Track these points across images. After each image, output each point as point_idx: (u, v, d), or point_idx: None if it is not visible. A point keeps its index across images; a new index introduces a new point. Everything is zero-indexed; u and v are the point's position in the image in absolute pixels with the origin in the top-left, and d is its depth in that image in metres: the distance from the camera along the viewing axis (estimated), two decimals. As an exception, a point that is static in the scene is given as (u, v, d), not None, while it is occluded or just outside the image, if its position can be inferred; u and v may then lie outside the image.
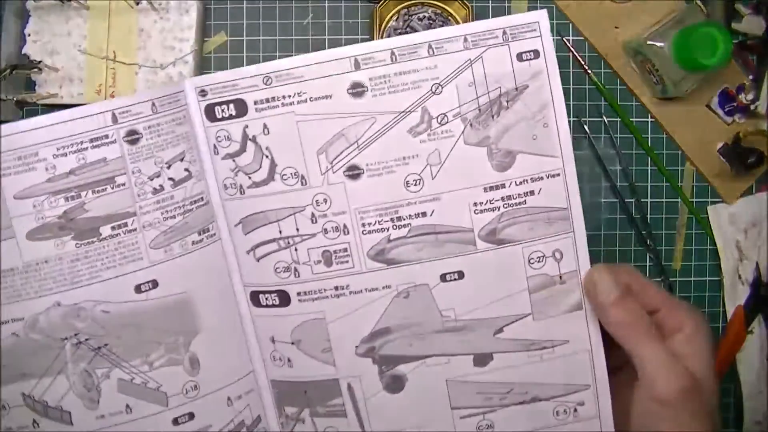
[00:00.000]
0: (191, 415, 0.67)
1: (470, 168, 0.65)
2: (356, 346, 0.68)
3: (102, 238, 0.63)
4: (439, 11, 0.86)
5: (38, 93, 0.83)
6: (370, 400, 0.69)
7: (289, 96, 0.65)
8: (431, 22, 0.86)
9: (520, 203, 0.66)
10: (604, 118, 0.89)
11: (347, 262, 0.67)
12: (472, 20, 0.84)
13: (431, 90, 0.65)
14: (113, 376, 0.65)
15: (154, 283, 0.64)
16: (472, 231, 0.66)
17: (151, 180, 0.64)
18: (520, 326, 0.67)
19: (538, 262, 0.66)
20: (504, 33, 0.64)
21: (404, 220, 0.66)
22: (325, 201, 0.66)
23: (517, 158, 0.65)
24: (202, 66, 0.87)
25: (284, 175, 0.66)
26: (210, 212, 0.67)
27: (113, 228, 0.63)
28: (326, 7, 0.89)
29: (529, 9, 0.89)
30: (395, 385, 0.68)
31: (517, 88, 0.65)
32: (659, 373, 0.61)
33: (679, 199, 0.91)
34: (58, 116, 0.62)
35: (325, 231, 0.66)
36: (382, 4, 0.86)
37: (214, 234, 0.67)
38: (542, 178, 0.65)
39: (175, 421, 0.66)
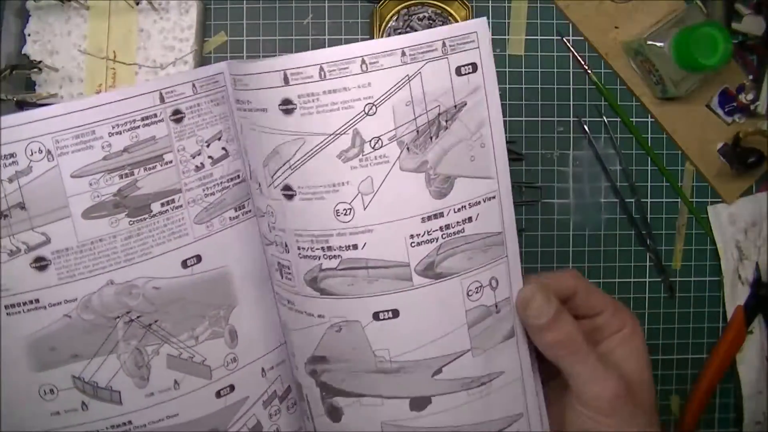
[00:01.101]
0: (232, 387, 0.71)
1: (407, 197, 0.63)
2: (305, 363, 0.69)
3: (153, 214, 0.67)
4: (439, 11, 0.92)
5: (38, 93, 0.87)
6: (317, 419, 0.70)
7: (243, 102, 0.66)
8: (431, 22, 0.92)
9: (458, 232, 0.64)
10: (604, 118, 0.96)
11: (291, 279, 0.67)
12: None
13: (364, 111, 0.61)
14: (162, 353, 0.68)
15: (198, 258, 0.69)
16: (408, 266, 0.64)
17: (193, 158, 0.69)
18: (459, 364, 0.66)
19: (476, 293, 0.65)
20: (443, 45, 0.62)
21: (335, 251, 0.64)
22: (272, 213, 0.67)
23: (456, 183, 0.64)
24: (203, 66, 0.92)
25: (251, 175, 0.69)
26: (245, 189, 0.71)
27: (162, 204, 0.67)
28: (326, 7, 0.95)
29: (529, 9, 0.95)
30: (334, 414, 0.69)
31: (456, 106, 0.63)
32: (590, 386, 0.66)
33: (679, 199, 0.98)
34: (113, 95, 0.65)
35: (275, 243, 0.68)
36: (382, 4, 0.92)
37: (249, 210, 0.72)
38: (479, 203, 0.65)
39: (218, 394, 0.71)
